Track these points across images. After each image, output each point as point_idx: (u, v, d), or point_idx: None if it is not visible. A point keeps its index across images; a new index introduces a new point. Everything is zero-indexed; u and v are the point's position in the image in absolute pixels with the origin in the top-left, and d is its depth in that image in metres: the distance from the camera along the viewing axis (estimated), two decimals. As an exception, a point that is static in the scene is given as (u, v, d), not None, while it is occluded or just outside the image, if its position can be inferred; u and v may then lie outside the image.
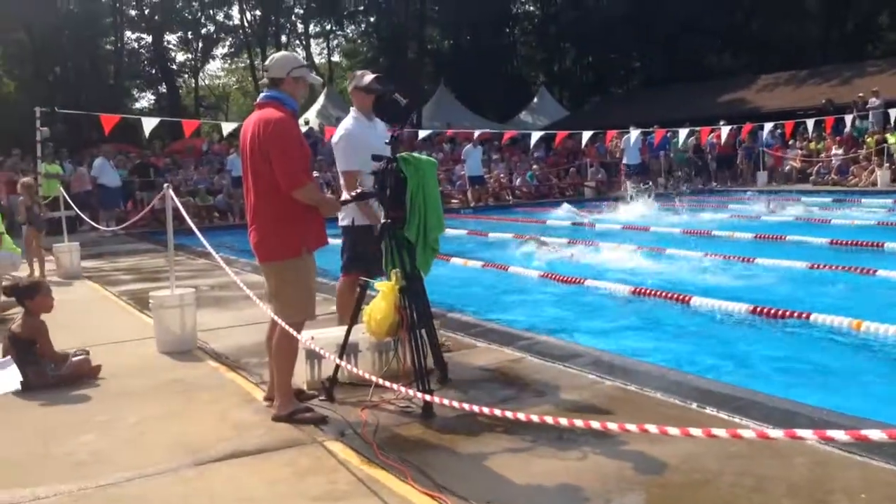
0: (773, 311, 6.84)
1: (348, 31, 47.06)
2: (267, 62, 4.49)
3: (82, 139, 28.72)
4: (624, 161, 22.93)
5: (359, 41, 47.87)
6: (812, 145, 23.15)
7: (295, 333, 4.18)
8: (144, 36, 41.31)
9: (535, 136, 21.65)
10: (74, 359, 5.38)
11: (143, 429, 4.35)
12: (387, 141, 4.67)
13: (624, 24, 38.34)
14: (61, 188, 12.89)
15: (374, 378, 3.82)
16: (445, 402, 3.55)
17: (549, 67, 48.22)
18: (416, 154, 4.95)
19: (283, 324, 4.18)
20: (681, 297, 7.67)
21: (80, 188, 17.82)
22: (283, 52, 4.66)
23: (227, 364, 5.63)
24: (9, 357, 4.90)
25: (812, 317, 6.58)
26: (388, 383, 3.70)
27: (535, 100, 40.07)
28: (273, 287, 4.40)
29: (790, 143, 23.89)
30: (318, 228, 4.39)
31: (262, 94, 4.41)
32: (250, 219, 4.35)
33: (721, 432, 2.33)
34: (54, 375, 5.23)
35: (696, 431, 2.37)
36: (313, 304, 4.46)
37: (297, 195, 4.16)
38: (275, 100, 4.29)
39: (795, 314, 6.67)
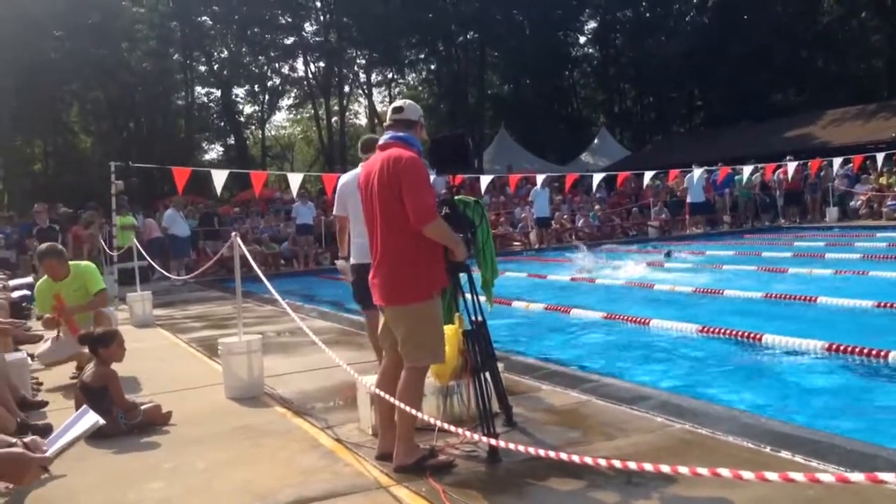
0: (847, 349, 6.61)
1: (409, 78, 47.94)
2: (399, 104, 4.42)
3: (155, 192, 29.70)
4: (688, 199, 22.69)
5: (420, 88, 48.65)
6: (883, 180, 22.49)
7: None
8: (214, 90, 42.80)
9: (597, 177, 21.61)
10: (144, 406, 5.47)
11: (211, 475, 4.39)
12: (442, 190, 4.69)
13: (684, 62, 38.15)
14: (134, 239, 13.29)
15: (437, 422, 3.79)
16: (511, 446, 3.50)
17: (609, 108, 48.26)
18: (467, 197, 5.04)
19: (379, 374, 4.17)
20: (751, 335, 7.48)
21: (150, 236, 18.51)
22: (409, 101, 4.63)
23: (293, 410, 5.66)
24: (85, 406, 4.99)
25: (891, 355, 6.32)
26: (452, 427, 3.66)
27: (596, 140, 40.06)
28: (404, 331, 4.23)
29: (861, 177, 23.26)
30: (443, 269, 4.32)
31: (384, 137, 4.34)
32: (376, 261, 4.28)
33: (798, 476, 2.24)
34: (127, 424, 5.31)
35: (771, 475, 2.28)
36: (444, 345, 4.34)
37: (428, 231, 4.06)
38: (402, 140, 4.25)
39: (874, 352, 6.42)
